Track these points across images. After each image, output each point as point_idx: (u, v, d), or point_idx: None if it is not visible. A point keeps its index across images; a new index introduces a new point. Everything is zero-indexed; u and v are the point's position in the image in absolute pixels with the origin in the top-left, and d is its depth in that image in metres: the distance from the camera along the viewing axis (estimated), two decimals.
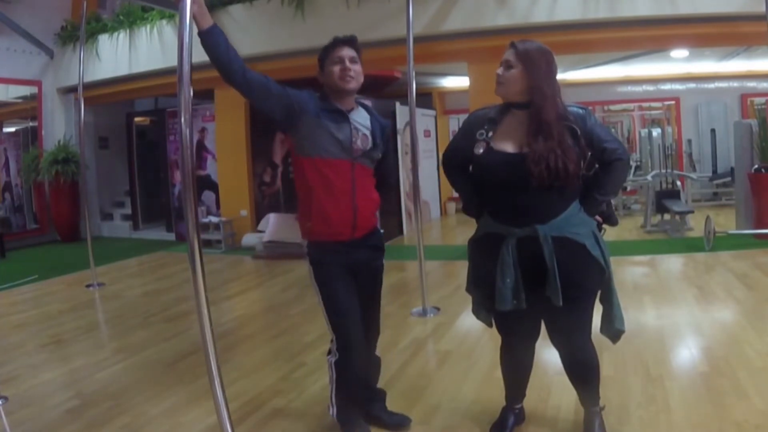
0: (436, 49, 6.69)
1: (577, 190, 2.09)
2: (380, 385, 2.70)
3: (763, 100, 9.97)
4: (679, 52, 8.15)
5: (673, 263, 5.69)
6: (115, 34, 8.27)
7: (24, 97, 9.15)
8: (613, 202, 2.35)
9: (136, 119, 10.09)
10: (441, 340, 3.79)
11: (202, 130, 8.59)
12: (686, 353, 3.30)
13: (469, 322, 4.19)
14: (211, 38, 2.06)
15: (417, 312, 4.40)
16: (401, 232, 8.43)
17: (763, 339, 3.35)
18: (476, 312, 2.35)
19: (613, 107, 11.02)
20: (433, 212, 10.13)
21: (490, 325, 2.35)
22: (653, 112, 10.83)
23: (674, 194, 7.89)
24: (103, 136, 10.00)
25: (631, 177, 9.53)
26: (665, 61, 8.90)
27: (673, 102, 10.47)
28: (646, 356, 3.21)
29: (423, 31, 6.14)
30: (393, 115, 8.08)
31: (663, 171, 8.35)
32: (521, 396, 2.47)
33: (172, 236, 8.91)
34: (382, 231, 2.56)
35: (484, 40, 6.41)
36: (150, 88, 8.49)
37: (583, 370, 2.24)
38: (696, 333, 3.60)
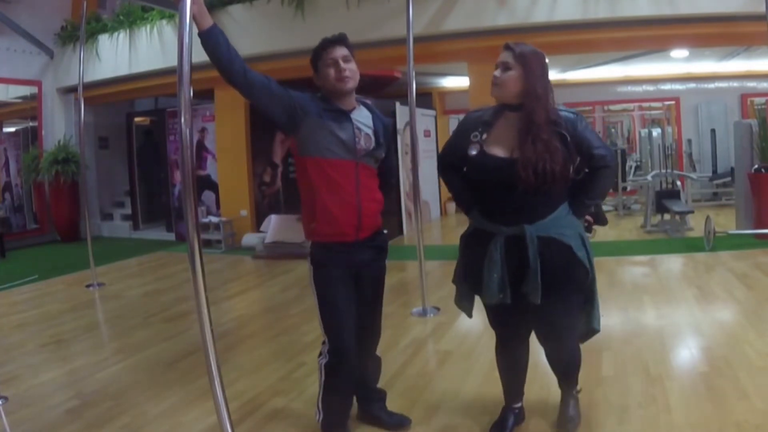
0: (436, 49, 6.69)
1: (565, 193, 2.16)
2: (380, 385, 2.69)
3: (763, 100, 9.98)
4: (679, 52, 8.15)
5: (673, 263, 5.69)
6: (115, 34, 8.27)
7: (24, 97, 9.15)
8: (602, 203, 2.41)
9: (136, 119, 10.10)
10: (441, 340, 3.79)
11: (202, 130, 8.60)
12: (686, 353, 3.30)
13: (469, 322, 4.16)
14: (212, 39, 2.05)
15: (417, 312, 4.40)
16: (401, 232, 8.43)
17: (763, 339, 3.35)
18: (458, 302, 2.45)
19: (613, 107, 11.02)
20: (433, 212, 10.13)
21: (470, 316, 2.46)
22: (653, 112, 10.84)
23: (674, 194, 7.89)
24: (103, 136, 10.01)
25: (631, 177, 9.54)
26: (665, 61, 8.90)
27: (673, 102, 10.48)
28: (646, 356, 3.21)
29: (423, 31, 6.14)
30: (393, 115, 8.07)
31: (663, 171, 8.35)
32: (519, 395, 2.49)
33: (172, 236, 8.91)
34: (385, 231, 2.55)
35: (484, 40, 6.41)
36: (150, 88, 8.49)
37: (565, 368, 2.38)
38: (696, 333, 3.59)
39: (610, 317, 3.34)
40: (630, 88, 10.58)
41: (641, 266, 5.60)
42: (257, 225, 7.92)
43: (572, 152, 2.10)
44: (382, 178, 2.47)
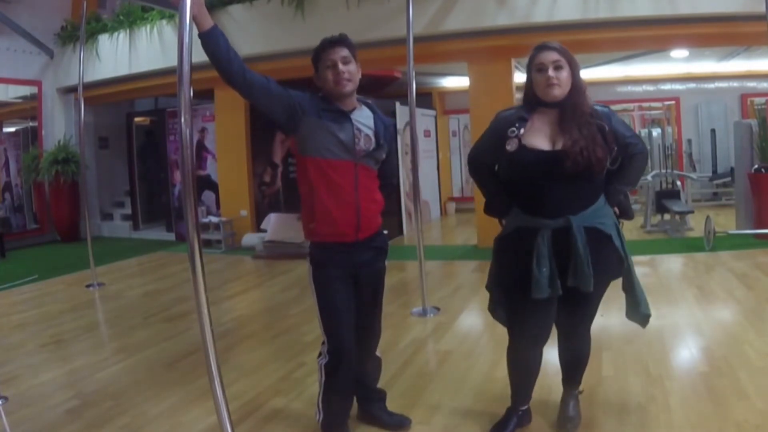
0: (436, 49, 6.68)
1: (602, 184, 2.21)
2: (380, 385, 2.69)
3: (763, 100, 9.97)
4: (679, 52, 8.15)
5: (673, 263, 5.69)
6: (115, 34, 8.26)
7: (24, 97, 9.14)
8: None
9: (136, 119, 10.10)
10: (441, 340, 3.79)
11: (202, 130, 8.60)
12: (686, 353, 3.30)
13: (469, 322, 4.20)
14: (212, 39, 2.06)
15: (417, 312, 4.39)
16: (401, 232, 8.44)
17: (763, 339, 3.35)
18: (492, 310, 2.41)
19: (613, 107, 10.97)
20: (433, 212, 10.13)
21: (504, 324, 2.40)
22: (653, 112, 10.83)
23: (674, 194, 7.89)
24: (103, 136, 10.00)
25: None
26: (665, 61, 8.89)
27: (673, 102, 10.47)
28: (646, 356, 3.21)
29: (423, 31, 6.13)
30: (393, 115, 8.08)
31: (663, 171, 8.36)
32: (527, 398, 2.48)
33: (172, 236, 8.91)
34: (386, 232, 2.55)
35: (484, 40, 6.41)
36: (150, 88, 8.48)
37: (578, 358, 2.42)
38: (696, 333, 3.60)
39: (610, 317, 3.34)
40: (630, 88, 10.57)
41: (641, 266, 5.58)
42: (257, 225, 7.92)
43: (610, 142, 2.15)
44: (383, 179, 2.46)
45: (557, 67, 2.14)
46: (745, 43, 7.11)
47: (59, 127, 9.24)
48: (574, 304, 2.24)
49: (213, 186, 8.53)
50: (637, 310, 2.34)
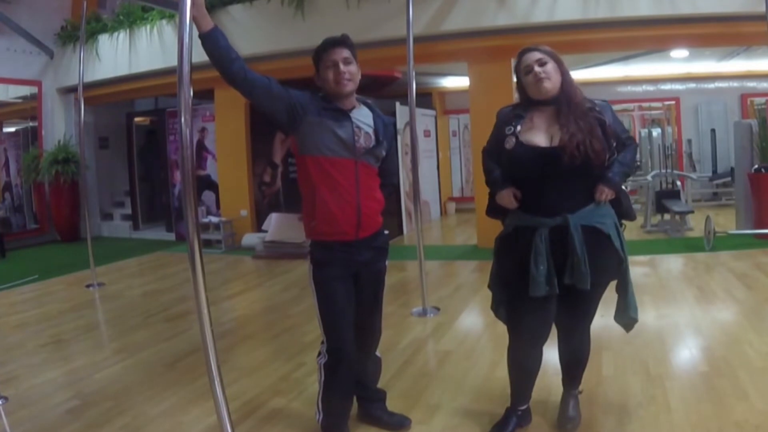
0: (436, 49, 6.68)
1: None
2: (380, 385, 2.69)
3: (763, 100, 9.97)
4: (679, 52, 8.15)
5: (673, 263, 5.69)
6: (115, 34, 8.27)
7: (24, 97, 9.14)
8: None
9: (136, 119, 10.10)
10: (441, 340, 3.79)
11: (202, 130, 8.60)
12: (686, 353, 3.30)
13: (469, 322, 4.20)
14: (212, 40, 2.07)
15: (417, 312, 4.39)
16: (401, 232, 8.44)
17: (763, 339, 3.35)
18: (495, 309, 2.42)
19: (613, 107, 11.01)
20: (433, 212, 10.13)
21: (507, 324, 2.42)
22: (653, 112, 10.83)
23: (674, 194, 7.89)
24: (103, 136, 10.01)
25: (631, 177, 9.54)
26: (665, 61, 8.90)
27: (673, 102, 10.47)
28: (646, 356, 3.21)
29: (423, 31, 6.13)
30: (393, 115, 8.08)
31: (663, 171, 8.36)
32: (527, 398, 2.48)
33: (172, 236, 8.91)
34: (387, 232, 2.55)
35: (484, 40, 6.41)
36: (150, 88, 8.48)
37: (578, 358, 2.42)
38: (696, 333, 3.60)
39: (610, 317, 3.34)
40: (630, 88, 10.57)
41: (641, 266, 5.59)
42: (257, 225, 7.93)
43: (608, 135, 2.17)
44: (383, 178, 2.46)
45: (542, 63, 2.18)
46: (745, 43, 7.11)
47: (59, 127, 9.24)
48: (573, 302, 2.25)
49: (213, 186, 8.53)
50: (626, 313, 2.35)
